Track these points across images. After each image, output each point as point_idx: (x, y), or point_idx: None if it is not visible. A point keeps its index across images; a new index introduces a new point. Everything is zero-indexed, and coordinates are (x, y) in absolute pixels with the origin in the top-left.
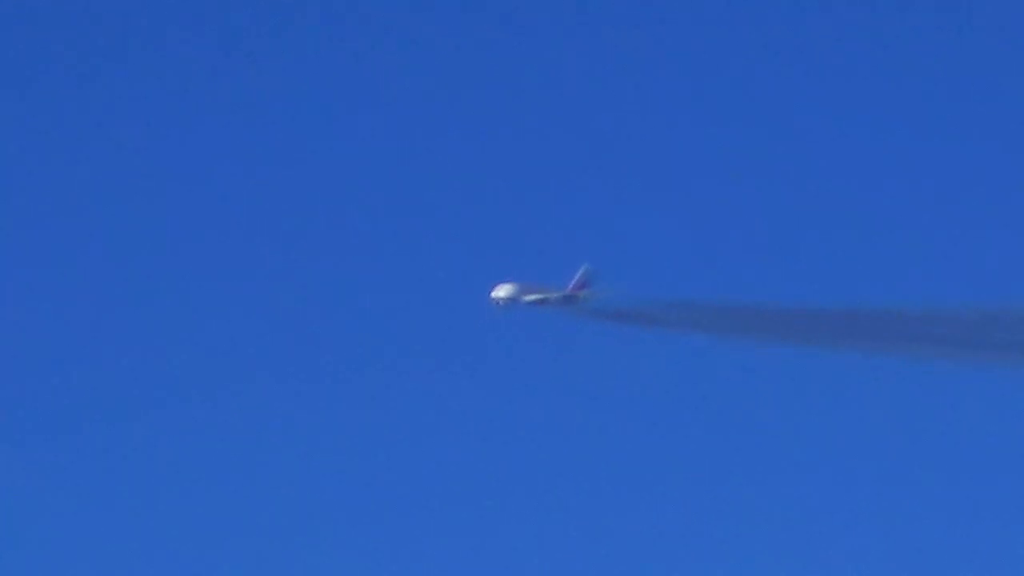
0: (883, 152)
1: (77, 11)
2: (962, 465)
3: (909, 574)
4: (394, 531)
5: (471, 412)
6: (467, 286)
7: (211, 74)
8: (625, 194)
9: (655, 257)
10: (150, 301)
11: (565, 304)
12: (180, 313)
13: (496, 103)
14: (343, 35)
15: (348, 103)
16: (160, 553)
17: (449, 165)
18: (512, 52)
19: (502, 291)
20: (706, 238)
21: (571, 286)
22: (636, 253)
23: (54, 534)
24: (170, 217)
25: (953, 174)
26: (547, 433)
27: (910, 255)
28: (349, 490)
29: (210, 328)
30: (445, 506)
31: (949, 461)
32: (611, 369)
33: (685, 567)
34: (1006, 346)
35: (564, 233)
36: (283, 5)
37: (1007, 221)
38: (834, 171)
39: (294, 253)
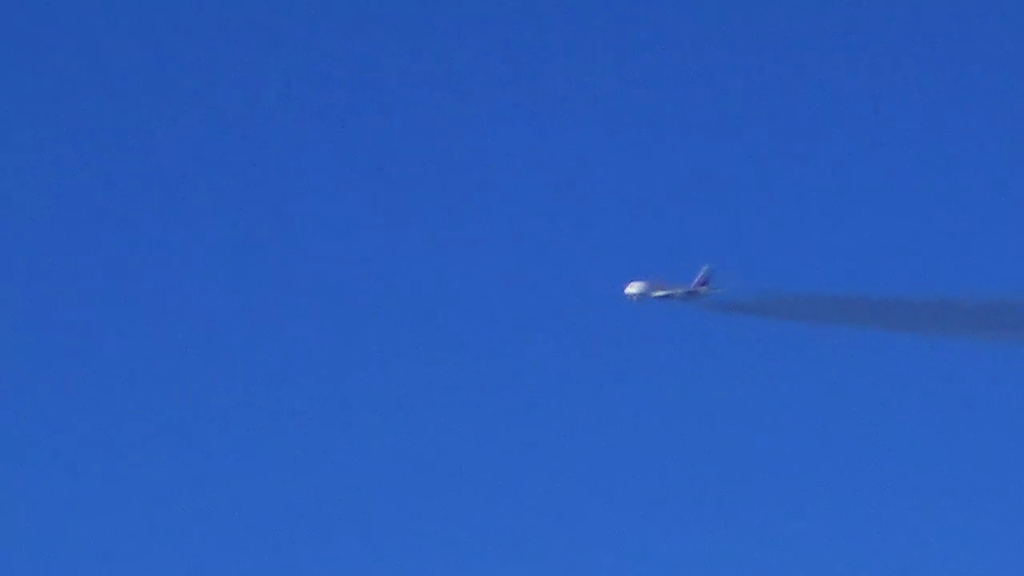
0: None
1: (77, 11)
2: None
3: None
4: (534, 513)
5: (612, 390)
6: (605, 284)
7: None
8: (739, 195)
9: (768, 255)
10: (237, 293)
11: (688, 299)
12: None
13: (633, 115)
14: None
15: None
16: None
17: (587, 176)
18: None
19: (634, 288)
20: (813, 235)
21: (694, 283)
22: (751, 252)
23: (55, 535)
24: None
25: None
26: (672, 409)
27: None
28: (493, 468)
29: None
30: (591, 485)
31: None
32: (729, 355)
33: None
34: None
35: (688, 235)
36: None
37: None
38: (938, 163)
39: (443, 251)
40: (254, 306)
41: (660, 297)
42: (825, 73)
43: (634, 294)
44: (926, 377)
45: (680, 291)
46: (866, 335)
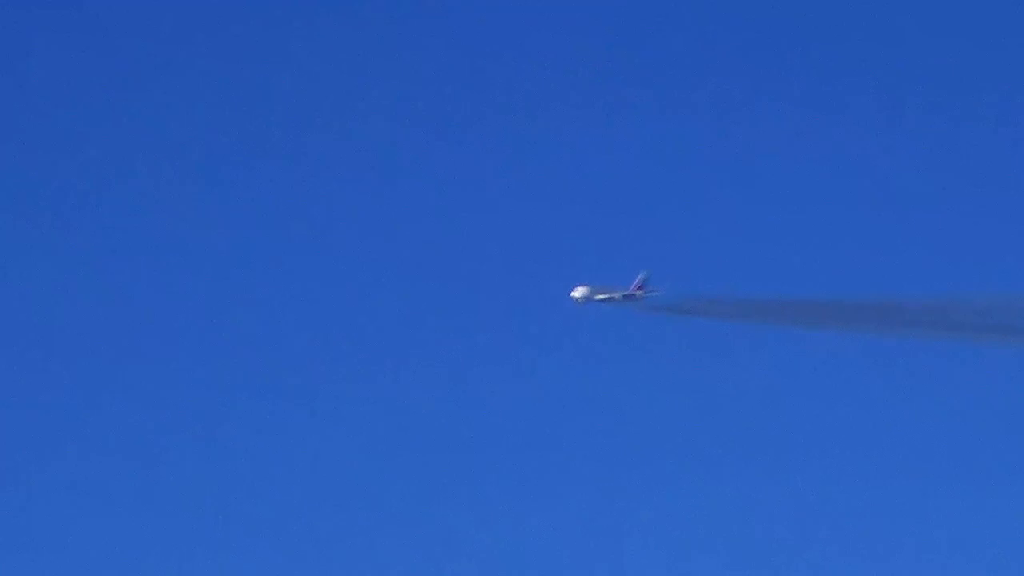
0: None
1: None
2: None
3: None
4: (487, 514)
5: (561, 382)
6: (551, 288)
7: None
8: (674, 205)
9: (697, 262)
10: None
11: (626, 301)
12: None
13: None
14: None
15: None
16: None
17: (537, 187)
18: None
19: (578, 292)
20: (740, 241)
21: (632, 287)
22: (681, 259)
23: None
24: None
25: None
26: (613, 398)
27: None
28: (437, 471)
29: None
30: (542, 479)
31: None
32: (663, 351)
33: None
34: None
35: (625, 243)
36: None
37: None
38: (858, 168)
39: (402, 259)
40: (244, 313)
41: (602, 300)
42: (768, 82)
43: (579, 297)
44: (844, 371)
45: (619, 294)
46: (785, 333)
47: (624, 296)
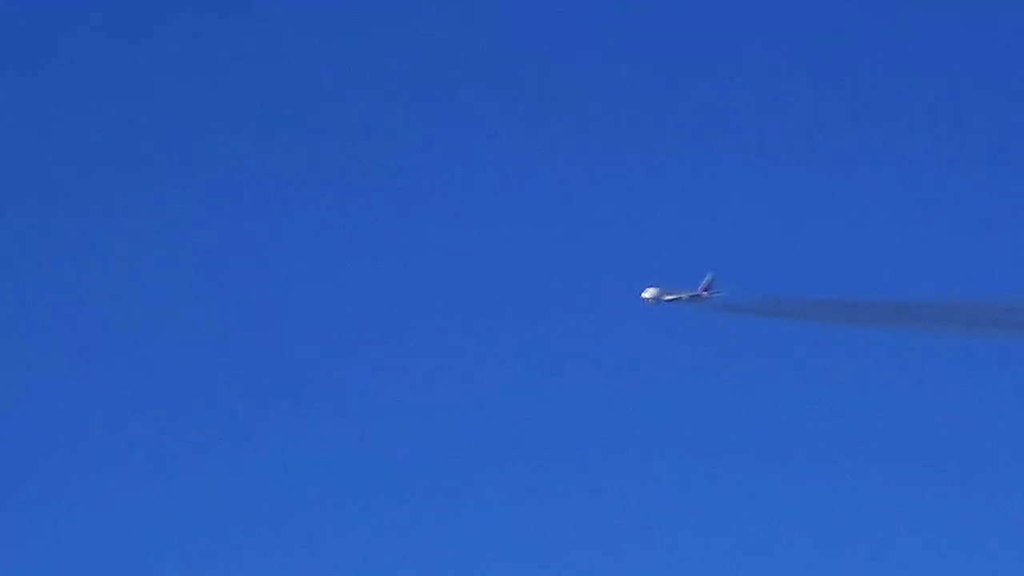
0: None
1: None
2: None
3: None
4: (569, 506)
5: (632, 383)
6: (623, 290)
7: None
8: (741, 207)
9: (765, 262)
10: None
11: (694, 301)
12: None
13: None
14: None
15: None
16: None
17: (607, 192)
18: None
19: (648, 292)
20: (806, 243)
21: (699, 288)
22: (750, 259)
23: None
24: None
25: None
26: (684, 397)
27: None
28: (518, 463)
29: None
30: (624, 472)
31: None
32: (731, 350)
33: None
34: None
35: (694, 244)
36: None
37: None
38: (930, 170)
39: (474, 260)
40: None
41: (670, 300)
42: (822, 88)
43: (648, 298)
44: (918, 373)
45: (687, 295)
46: (856, 333)
47: (691, 296)
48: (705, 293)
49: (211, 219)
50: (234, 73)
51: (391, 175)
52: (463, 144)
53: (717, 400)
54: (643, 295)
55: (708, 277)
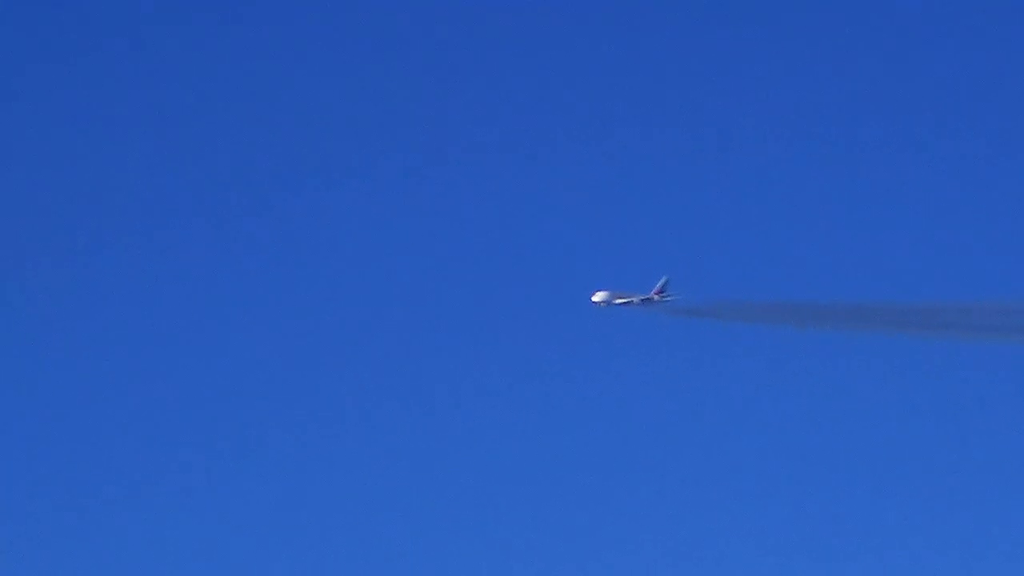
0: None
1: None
2: None
3: None
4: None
5: (582, 386)
6: (572, 292)
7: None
8: (692, 212)
9: (718, 266)
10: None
11: (645, 305)
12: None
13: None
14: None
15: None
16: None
17: (559, 194)
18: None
19: (598, 296)
20: (759, 247)
21: (652, 291)
22: (699, 264)
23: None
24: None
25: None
26: (637, 399)
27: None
28: (469, 467)
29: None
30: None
31: None
32: (683, 353)
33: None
34: None
35: (643, 248)
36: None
37: None
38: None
39: (421, 264)
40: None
41: (621, 304)
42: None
43: (599, 301)
44: (878, 375)
45: (638, 298)
46: (814, 336)
47: (642, 300)
48: (658, 296)
49: (211, 220)
50: (234, 72)
51: (338, 178)
52: (413, 146)
53: (670, 404)
54: (593, 298)
55: (662, 280)
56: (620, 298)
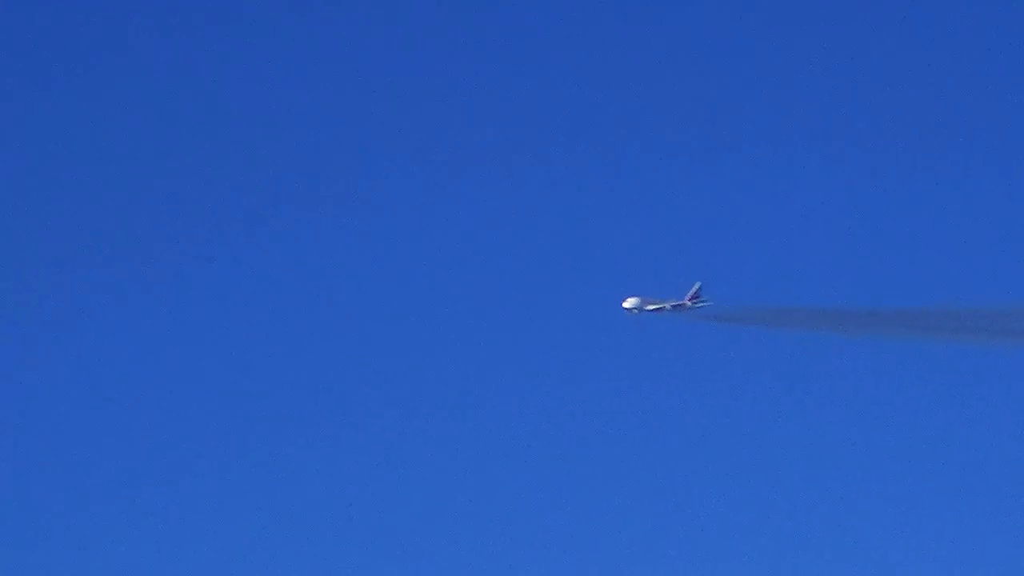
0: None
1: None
2: None
3: None
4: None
5: (611, 392)
6: (603, 299)
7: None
8: (727, 217)
9: (752, 272)
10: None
11: (676, 311)
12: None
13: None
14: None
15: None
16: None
17: (587, 198)
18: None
19: (629, 302)
20: (794, 252)
21: (686, 297)
22: (738, 269)
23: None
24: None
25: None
26: (666, 407)
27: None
28: (498, 473)
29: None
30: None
31: None
32: (718, 360)
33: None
34: None
35: (679, 253)
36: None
37: None
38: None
39: (453, 266)
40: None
41: (653, 310)
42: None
43: (630, 308)
44: (911, 381)
45: (670, 305)
46: (848, 343)
47: (674, 306)
48: (691, 303)
49: (210, 220)
50: (234, 73)
51: (372, 181)
52: (444, 151)
53: (705, 412)
54: (624, 305)
55: (695, 286)
56: (651, 304)
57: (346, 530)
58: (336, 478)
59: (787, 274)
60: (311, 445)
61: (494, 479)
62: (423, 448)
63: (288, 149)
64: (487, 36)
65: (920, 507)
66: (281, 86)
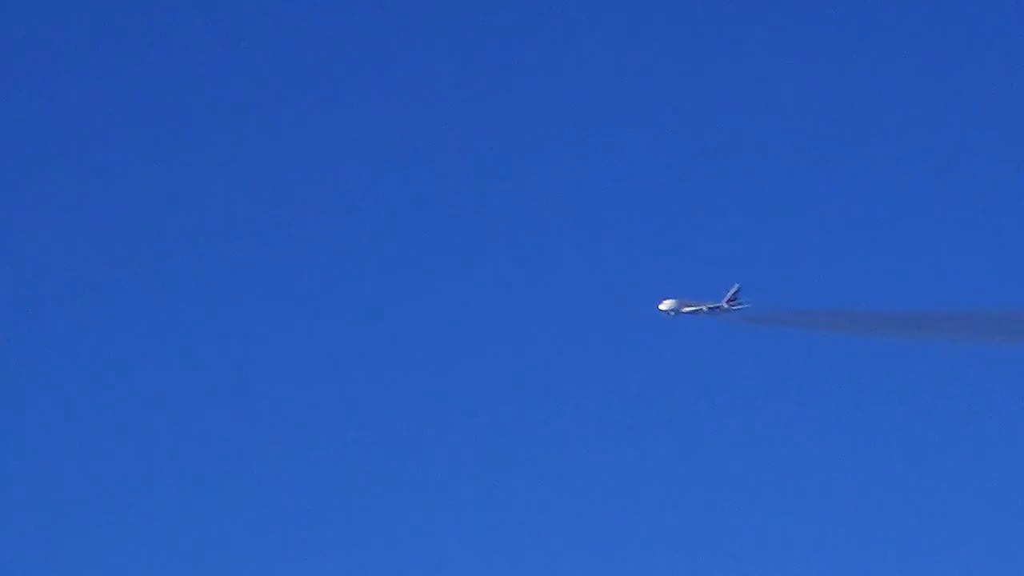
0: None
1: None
2: None
3: None
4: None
5: (646, 395)
6: (641, 300)
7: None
8: (763, 219)
9: (789, 274)
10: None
11: (713, 313)
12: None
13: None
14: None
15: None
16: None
17: (622, 200)
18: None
19: (665, 304)
20: (830, 254)
21: (724, 299)
22: (775, 271)
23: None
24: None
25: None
26: (706, 404)
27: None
28: (533, 474)
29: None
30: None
31: None
32: (754, 361)
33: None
34: None
35: (714, 255)
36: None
37: None
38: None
39: (483, 267)
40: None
41: (689, 312)
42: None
43: (666, 310)
44: (950, 385)
45: (707, 307)
46: (879, 344)
47: (711, 308)
48: (729, 304)
49: (211, 220)
50: (235, 72)
51: (404, 177)
52: (478, 148)
53: (742, 414)
54: (660, 307)
55: (733, 288)
56: (688, 306)
57: (366, 534)
58: (364, 480)
59: (825, 276)
60: (336, 449)
61: (525, 481)
62: (447, 450)
63: (288, 149)
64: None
65: (962, 512)
66: (281, 86)
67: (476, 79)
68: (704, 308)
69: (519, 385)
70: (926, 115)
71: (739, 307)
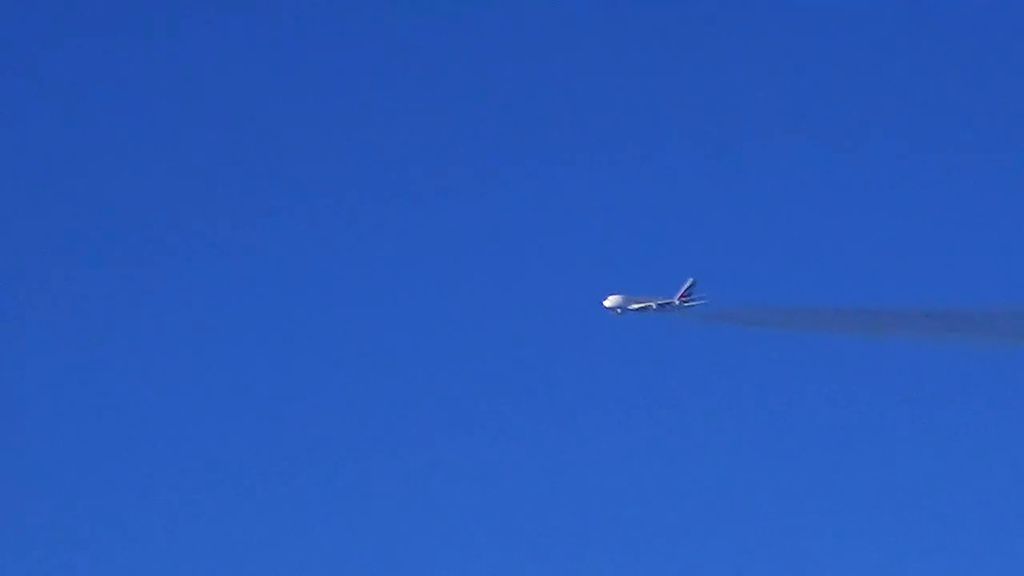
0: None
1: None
2: None
3: None
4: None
5: (593, 397)
6: (581, 298)
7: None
8: (712, 213)
9: (743, 269)
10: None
11: (663, 310)
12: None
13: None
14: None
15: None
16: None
17: (570, 192)
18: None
19: (611, 300)
20: (786, 250)
21: (677, 295)
22: (727, 266)
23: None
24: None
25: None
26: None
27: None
28: (477, 473)
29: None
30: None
31: None
32: (705, 360)
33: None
34: None
35: (659, 251)
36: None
37: None
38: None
39: (429, 264)
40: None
41: (637, 309)
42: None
43: (612, 307)
44: (905, 382)
45: (656, 303)
46: (828, 341)
47: (660, 305)
48: (682, 300)
49: (214, 222)
50: (234, 73)
51: (360, 181)
52: (426, 147)
53: (697, 414)
54: (605, 303)
55: (688, 282)
56: (636, 303)
57: (347, 533)
58: (334, 482)
59: (783, 272)
60: (312, 448)
61: (474, 483)
62: (403, 453)
63: (288, 149)
64: (469, 33)
65: (916, 507)
66: (280, 86)
67: (415, 74)
68: (653, 305)
69: (462, 386)
70: (885, 106)
71: (693, 303)
